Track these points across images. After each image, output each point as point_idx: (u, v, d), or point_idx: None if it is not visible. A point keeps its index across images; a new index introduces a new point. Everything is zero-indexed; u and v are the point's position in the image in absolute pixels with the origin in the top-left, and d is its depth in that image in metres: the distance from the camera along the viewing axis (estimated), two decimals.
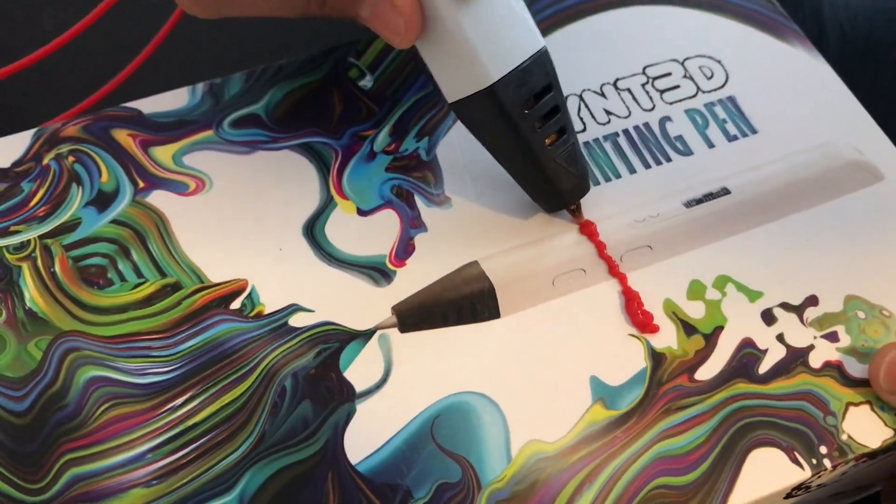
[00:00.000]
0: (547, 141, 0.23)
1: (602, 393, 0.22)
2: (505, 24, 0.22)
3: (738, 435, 0.22)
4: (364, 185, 0.25)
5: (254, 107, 0.27)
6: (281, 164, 0.26)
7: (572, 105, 0.27)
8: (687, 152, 0.26)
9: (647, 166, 0.26)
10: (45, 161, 0.25)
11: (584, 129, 0.27)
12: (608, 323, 0.23)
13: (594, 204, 0.25)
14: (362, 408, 0.22)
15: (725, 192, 0.26)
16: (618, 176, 0.26)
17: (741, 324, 0.23)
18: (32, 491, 0.20)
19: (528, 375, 0.22)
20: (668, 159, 0.26)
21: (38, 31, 0.34)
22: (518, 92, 0.23)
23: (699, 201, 0.25)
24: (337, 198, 0.25)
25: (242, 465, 0.21)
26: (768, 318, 0.23)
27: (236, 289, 0.23)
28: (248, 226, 0.24)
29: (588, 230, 0.25)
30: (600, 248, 0.24)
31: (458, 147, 0.26)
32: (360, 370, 0.22)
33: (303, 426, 0.21)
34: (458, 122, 0.26)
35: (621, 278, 0.24)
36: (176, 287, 0.23)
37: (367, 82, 0.27)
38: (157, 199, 0.25)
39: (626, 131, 0.27)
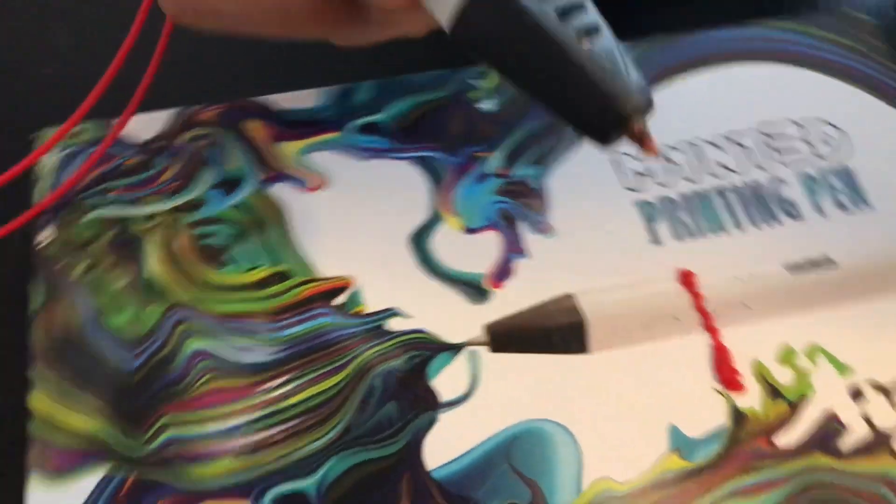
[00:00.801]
0: (579, 40, 0.18)
1: (679, 443, 0.22)
2: None
3: None
4: (472, 205, 0.26)
5: (379, 115, 0.28)
6: (397, 173, 0.27)
7: (685, 152, 0.27)
8: (797, 216, 0.26)
9: (756, 225, 0.26)
10: (180, 141, 0.27)
11: (694, 182, 0.27)
12: (694, 375, 0.24)
13: (699, 255, 0.25)
14: (444, 417, 0.23)
15: (830, 262, 0.26)
16: (724, 230, 0.26)
17: (827, 396, 0.23)
18: (133, 446, 0.22)
19: (609, 413, 0.23)
20: (778, 221, 0.26)
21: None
22: None
23: (803, 268, 0.25)
24: (445, 213, 0.26)
25: (327, 452, 0.22)
26: (856, 394, 0.23)
27: (341, 286, 0.25)
28: (359, 228, 0.26)
29: (687, 280, 0.25)
30: (697, 299, 0.25)
31: (569, 179, 0.27)
32: (446, 381, 0.23)
33: (387, 425, 0.22)
34: (572, 155, 0.27)
35: (713, 332, 0.24)
36: (286, 276, 0.25)
37: (488, 105, 0.28)
38: (279, 190, 0.26)
39: (736, 187, 0.27)
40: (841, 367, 0.24)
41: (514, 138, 0.28)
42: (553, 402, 0.23)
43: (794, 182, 0.27)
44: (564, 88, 0.18)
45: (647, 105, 0.19)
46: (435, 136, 0.27)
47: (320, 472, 0.22)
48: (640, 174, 0.27)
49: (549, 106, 0.19)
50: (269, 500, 0.21)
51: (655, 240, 0.26)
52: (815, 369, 0.24)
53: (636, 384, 0.23)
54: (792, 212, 0.26)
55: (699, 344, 0.24)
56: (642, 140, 0.19)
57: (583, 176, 0.25)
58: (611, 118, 0.18)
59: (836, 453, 0.22)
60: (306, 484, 0.21)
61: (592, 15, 0.18)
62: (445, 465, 0.22)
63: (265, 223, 0.26)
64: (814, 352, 0.24)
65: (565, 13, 0.18)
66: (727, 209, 0.27)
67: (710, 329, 0.24)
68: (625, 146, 0.25)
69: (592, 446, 0.22)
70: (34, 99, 0.29)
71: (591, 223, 0.26)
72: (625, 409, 0.23)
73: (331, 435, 0.22)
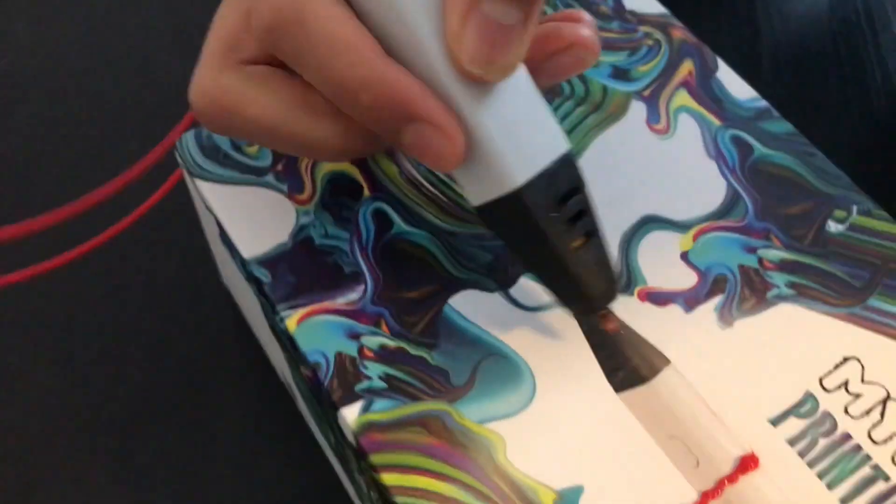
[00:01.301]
0: (574, 244, 0.22)
1: None
2: (529, 125, 0.21)
3: None
4: None
5: None
6: None
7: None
8: None
9: None
10: None
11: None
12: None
13: None
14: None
15: None
16: None
17: None
18: None
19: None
20: None
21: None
22: (545, 195, 0.21)
23: None
24: None
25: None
26: None
27: None
28: None
29: (744, 465, 0.23)
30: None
31: None
32: None
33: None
34: None
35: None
36: None
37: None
38: None
39: None
40: None
41: None
42: None
43: None
44: (555, 280, 0.23)
45: (613, 298, 0.23)
46: None
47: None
48: None
49: (542, 280, 0.24)
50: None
51: None
52: None
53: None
54: None
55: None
56: (603, 318, 0.24)
57: None
58: (581, 307, 0.24)
59: None
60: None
61: (591, 221, 0.22)
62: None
63: None
64: None
65: (570, 222, 0.22)
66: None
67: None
68: None
69: None
70: None
71: None
72: None
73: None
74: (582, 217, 0.22)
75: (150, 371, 0.33)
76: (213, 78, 0.22)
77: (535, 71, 0.22)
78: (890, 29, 0.41)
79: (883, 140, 0.38)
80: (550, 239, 0.22)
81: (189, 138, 0.28)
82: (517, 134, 0.21)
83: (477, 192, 0.22)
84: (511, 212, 0.22)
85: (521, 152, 0.21)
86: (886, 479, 0.23)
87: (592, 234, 0.22)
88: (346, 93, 0.21)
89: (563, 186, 0.22)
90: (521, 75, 0.21)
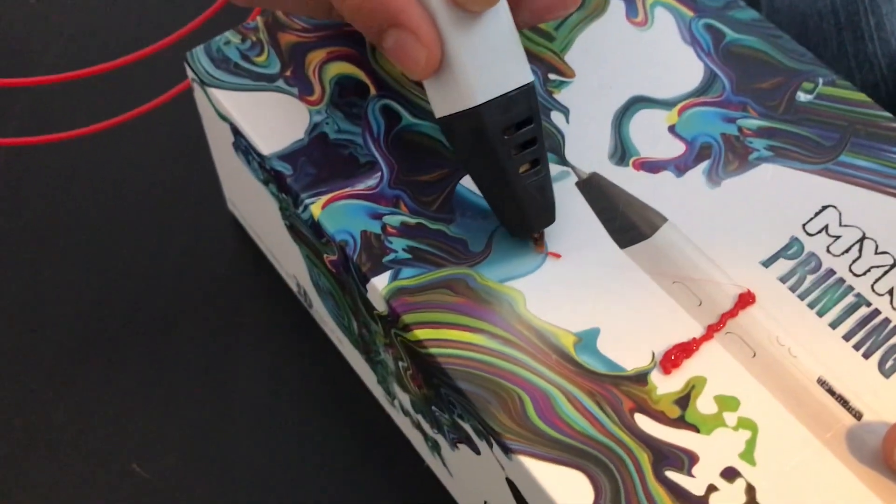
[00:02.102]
0: (521, 168, 0.24)
1: None
2: (498, 53, 0.23)
3: None
4: None
5: None
6: None
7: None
8: None
9: None
10: None
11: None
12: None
13: None
14: None
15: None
16: None
17: None
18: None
19: None
20: None
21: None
22: (501, 117, 0.23)
23: None
24: None
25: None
26: None
27: None
28: None
29: (744, 300, 0.25)
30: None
31: None
32: None
33: None
34: None
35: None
36: None
37: None
38: None
39: None
40: None
41: None
42: None
43: None
44: (500, 201, 0.25)
45: (550, 222, 0.25)
46: None
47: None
48: None
49: (485, 198, 0.25)
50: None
51: None
52: None
53: None
54: None
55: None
56: (537, 241, 0.26)
57: None
58: (523, 230, 0.25)
59: None
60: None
61: (541, 151, 0.24)
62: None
63: None
64: None
65: (520, 147, 0.24)
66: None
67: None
68: None
69: None
70: None
71: None
72: None
73: None
74: (532, 145, 0.24)
75: (176, 288, 0.34)
76: None
77: (518, 7, 0.24)
78: None
79: (876, 81, 0.40)
80: (500, 158, 0.24)
81: (199, 52, 0.29)
82: (486, 60, 0.23)
83: (441, 105, 0.24)
84: (468, 126, 0.24)
85: (487, 76, 0.23)
86: (868, 304, 0.25)
87: (538, 162, 0.25)
88: None
89: (519, 114, 0.24)
90: (502, 8, 0.23)
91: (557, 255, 0.26)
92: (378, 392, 0.31)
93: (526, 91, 0.24)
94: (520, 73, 0.24)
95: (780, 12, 0.43)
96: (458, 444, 0.26)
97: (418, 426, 0.29)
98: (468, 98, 0.23)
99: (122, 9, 0.42)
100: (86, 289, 0.34)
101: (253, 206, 0.32)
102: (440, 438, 0.28)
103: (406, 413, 0.30)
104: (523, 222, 0.25)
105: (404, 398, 0.29)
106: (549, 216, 0.25)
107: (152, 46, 0.32)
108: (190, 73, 0.29)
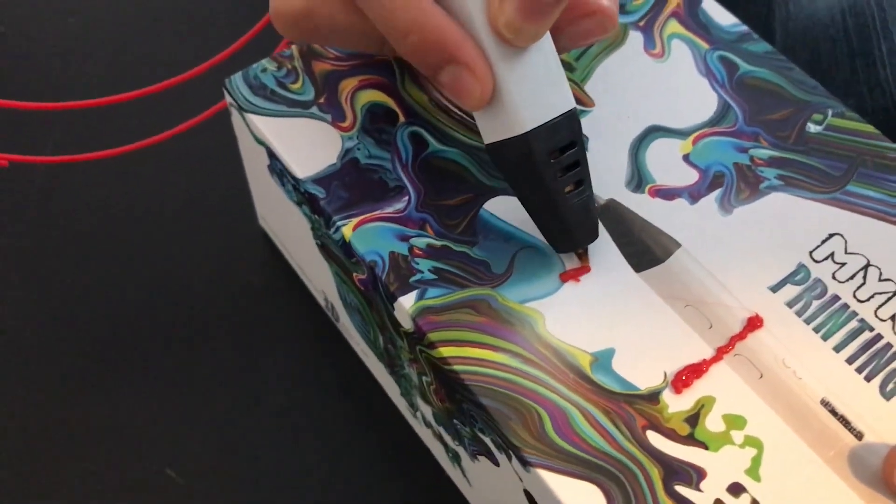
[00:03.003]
0: (566, 189, 0.26)
1: None
2: (544, 81, 0.24)
3: None
4: None
5: None
6: None
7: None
8: None
9: None
10: None
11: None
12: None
13: None
14: None
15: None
16: None
17: None
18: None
19: None
20: None
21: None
22: (547, 143, 0.25)
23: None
24: None
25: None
26: None
27: None
28: None
29: (752, 324, 0.26)
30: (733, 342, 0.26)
31: None
32: None
33: None
34: None
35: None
36: None
37: None
38: None
39: None
40: None
41: None
42: None
43: None
44: (546, 219, 0.27)
45: (593, 238, 0.27)
46: None
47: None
48: None
49: (533, 217, 0.27)
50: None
51: None
52: None
53: None
54: None
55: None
56: (581, 256, 0.27)
57: None
58: (568, 244, 0.27)
59: None
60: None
61: (584, 172, 0.26)
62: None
63: None
64: None
65: (564, 169, 0.25)
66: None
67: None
68: None
69: None
70: None
71: None
72: None
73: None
74: (576, 167, 0.26)
75: (208, 299, 0.36)
76: None
77: (558, 33, 0.26)
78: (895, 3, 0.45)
79: (887, 106, 0.42)
80: (546, 180, 0.25)
81: (238, 79, 0.31)
82: (532, 89, 0.25)
83: (490, 132, 0.26)
84: (516, 152, 0.25)
85: (533, 104, 0.25)
86: (871, 329, 0.26)
87: (582, 183, 0.26)
88: (397, 31, 0.24)
89: (563, 138, 0.25)
90: (545, 39, 0.25)
91: (577, 279, 0.27)
92: (401, 403, 0.33)
93: (569, 116, 0.25)
94: (563, 100, 0.25)
95: (794, 37, 0.44)
96: (478, 456, 0.28)
97: (440, 437, 0.31)
98: (517, 126, 0.25)
99: (158, 30, 0.44)
100: (123, 299, 0.36)
101: (285, 223, 0.34)
102: (461, 450, 0.29)
103: (428, 425, 0.31)
104: (569, 239, 0.27)
105: (427, 410, 0.30)
106: (593, 233, 0.27)
107: (191, 71, 0.34)
108: (228, 99, 0.31)
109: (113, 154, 0.36)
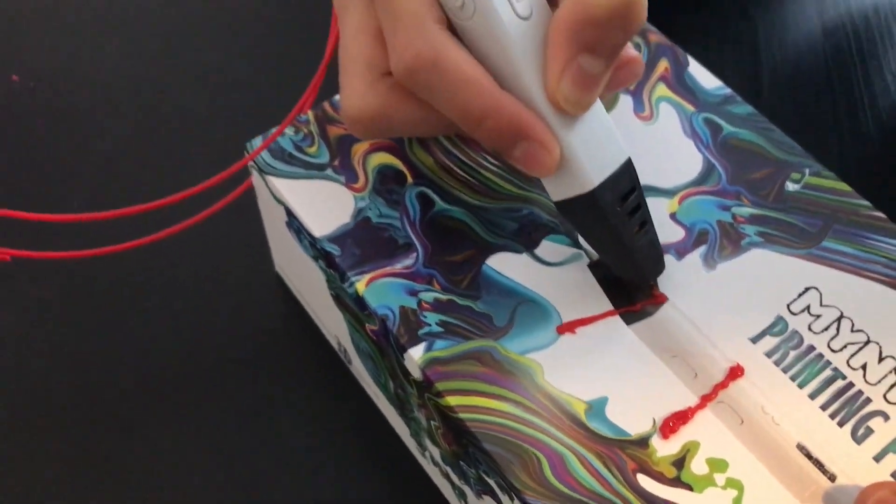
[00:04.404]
0: (633, 231, 0.28)
1: None
2: (601, 139, 0.27)
3: None
4: None
5: None
6: None
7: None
8: None
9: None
10: None
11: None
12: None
13: None
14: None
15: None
16: None
17: None
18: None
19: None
20: None
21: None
22: (612, 193, 0.27)
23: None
24: None
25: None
26: None
27: None
28: None
29: (733, 373, 0.29)
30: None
31: None
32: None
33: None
34: None
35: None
36: None
37: None
38: None
39: None
40: None
41: None
42: None
43: None
44: (618, 258, 0.29)
45: (661, 271, 0.30)
46: None
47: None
48: None
49: (606, 259, 0.30)
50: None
51: None
52: None
53: None
54: None
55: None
56: (653, 287, 0.30)
57: None
58: (639, 280, 0.30)
59: None
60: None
61: (645, 212, 0.29)
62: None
63: None
64: None
65: (629, 214, 0.28)
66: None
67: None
68: None
69: None
70: None
71: None
72: None
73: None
74: (639, 210, 0.28)
75: (225, 342, 0.38)
76: (364, 94, 0.27)
77: None
78: (876, 55, 0.47)
79: (869, 151, 0.44)
80: (615, 227, 0.28)
81: (258, 142, 0.33)
82: (593, 148, 0.27)
83: (559, 191, 0.28)
84: (586, 207, 0.27)
85: (595, 162, 0.27)
86: (844, 378, 0.29)
87: (646, 222, 0.29)
88: (472, 119, 0.26)
89: (624, 187, 0.28)
90: (597, 102, 0.27)
91: (573, 332, 0.29)
92: (410, 443, 0.35)
93: (627, 165, 0.28)
94: (619, 152, 0.28)
95: (781, 87, 0.47)
96: (483, 496, 0.30)
97: (447, 476, 0.33)
98: (586, 184, 0.27)
99: (182, 88, 0.46)
100: (144, 343, 0.38)
101: (301, 273, 0.36)
102: (466, 489, 0.31)
103: (436, 464, 0.33)
104: (641, 275, 0.29)
105: (435, 451, 0.32)
106: (661, 266, 0.30)
107: (222, 173, 0.36)
108: (249, 161, 0.33)
109: (125, 248, 0.37)
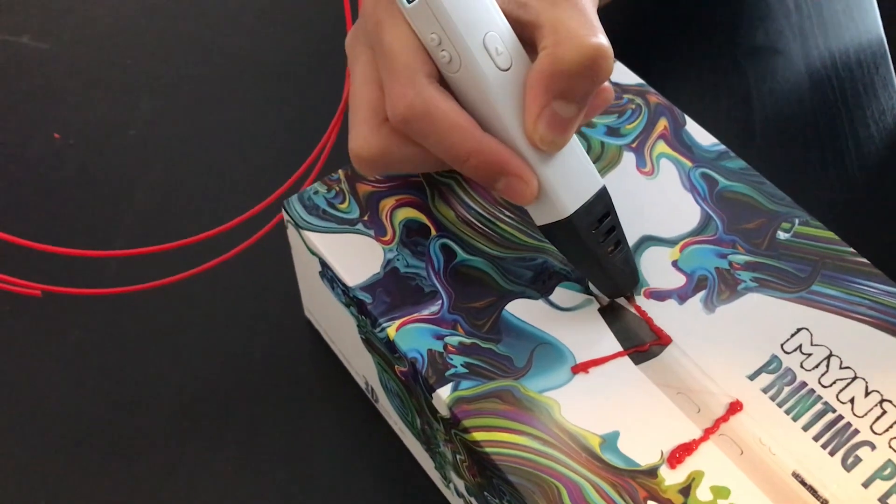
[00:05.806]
0: (608, 250, 0.32)
1: None
2: (577, 171, 0.31)
3: None
4: None
5: None
6: None
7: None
8: None
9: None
10: None
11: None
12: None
13: None
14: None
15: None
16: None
17: None
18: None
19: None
20: None
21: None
22: (587, 218, 0.31)
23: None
24: None
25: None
26: None
27: None
28: None
29: (733, 408, 0.31)
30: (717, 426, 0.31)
31: None
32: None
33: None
34: None
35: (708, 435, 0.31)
36: None
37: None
38: None
39: None
40: None
41: None
42: None
43: None
44: (595, 275, 0.33)
45: (636, 285, 0.33)
46: None
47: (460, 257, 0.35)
48: None
49: (585, 275, 0.33)
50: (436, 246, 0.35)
51: None
52: None
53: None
54: None
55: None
56: (629, 299, 0.33)
57: None
58: (616, 294, 0.33)
59: None
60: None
61: (619, 234, 0.32)
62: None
63: None
64: None
65: (604, 235, 0.32)
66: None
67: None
68: None
69: None
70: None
71: None
72: None
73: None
74: (613, 231, 0.32)
75: (257, 384, 0.41)
76: (367, 136, 0.30)
77: None
78: (861, 104, 0.51)
79: (856, 196, 0.47)
80: (591, 248, 0.31)
81: (294, 201, 0.36)
82: (569, 180, 0.31)
83: (541, 217, 0.32)
84: (564, 230, 0.31)
85: (571, 192, 0.31)
86: (833, 411, 0.31)
87: (620, 242, 0.32)
88: (459, 159, 0.30)
89: (598, 212, 0.31)
90: (573, 139, 0.31)
91: (586, 371, 0.32)
92: (435, 476, 0.38)
93: (600, 193, 0.31)
94: (593, 182, 0.31)
95: (771, 135, 0.50)
96: None
97: None
98: (561, 211, 0.31)
99: (212, 141, 0.50)
100: (183, 384, 0.41)
101: (331, 318, 0.39)
102: None
103: (460, 495, 0.36)
104: (616, 289, 0.33)
105: (459, 483, 0.35)
106: (634, 280, 0.33)
107: (255, 209, 0.40)
108: (286, 217, 0.37)
109: (158, 285, 0.40)
